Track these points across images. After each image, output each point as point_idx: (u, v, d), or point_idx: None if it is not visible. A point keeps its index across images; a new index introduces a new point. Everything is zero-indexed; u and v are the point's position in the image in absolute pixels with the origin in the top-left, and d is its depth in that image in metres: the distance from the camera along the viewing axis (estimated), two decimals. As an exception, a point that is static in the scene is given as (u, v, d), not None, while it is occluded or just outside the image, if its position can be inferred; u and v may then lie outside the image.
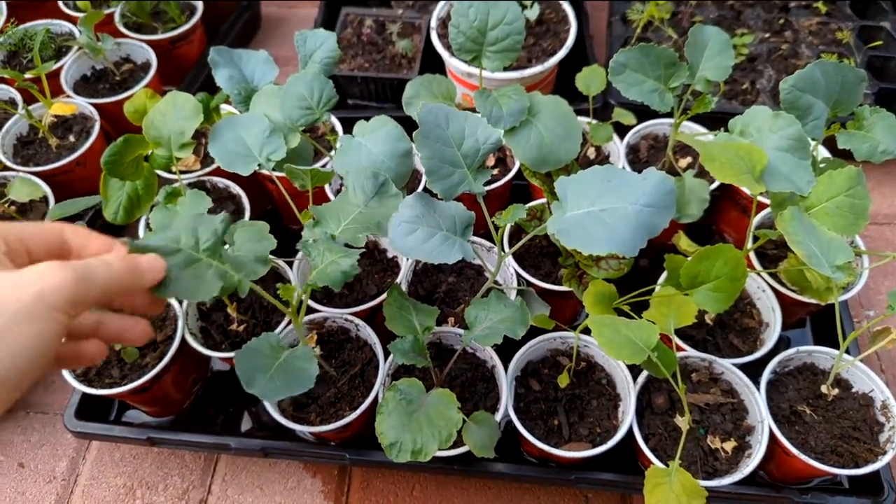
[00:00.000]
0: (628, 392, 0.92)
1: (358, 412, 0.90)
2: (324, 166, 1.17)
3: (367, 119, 0.91)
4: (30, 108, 1.27)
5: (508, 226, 1.07)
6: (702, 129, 1.17)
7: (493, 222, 0.84)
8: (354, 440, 1.01)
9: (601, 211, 0.71)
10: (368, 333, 0.99)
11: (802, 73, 0.87)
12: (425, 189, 1.17)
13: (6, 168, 1.23)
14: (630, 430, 0.90)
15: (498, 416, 0.88)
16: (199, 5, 1.51)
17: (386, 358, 0.95)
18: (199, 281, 0.66)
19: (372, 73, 1.41)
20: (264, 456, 1.01)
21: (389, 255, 1.11)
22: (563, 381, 0.93)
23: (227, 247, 0.74)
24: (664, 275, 0.99)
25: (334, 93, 0.96)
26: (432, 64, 1.41)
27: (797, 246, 0.77)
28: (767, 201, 1.07)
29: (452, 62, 1.29)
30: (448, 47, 1.33)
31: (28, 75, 1.26)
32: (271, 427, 1.08)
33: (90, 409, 1.05)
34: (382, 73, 1.42)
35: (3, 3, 1.50)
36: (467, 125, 0.79)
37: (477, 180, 0.80)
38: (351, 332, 1.02)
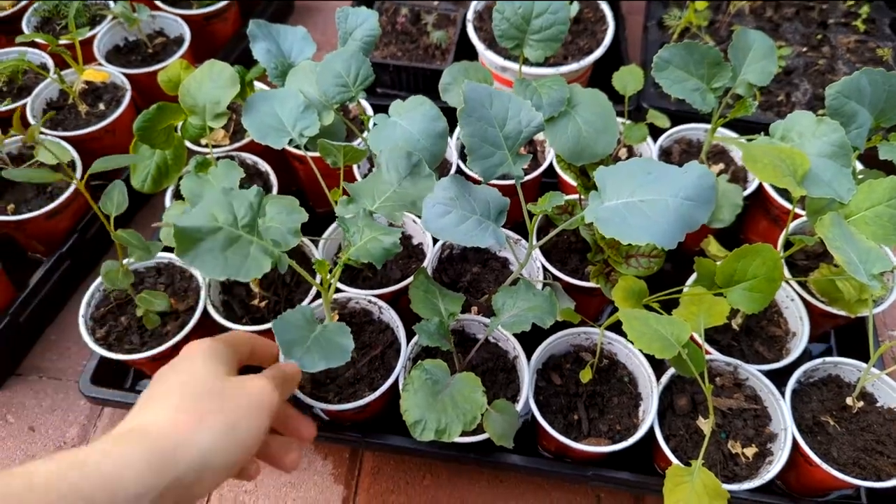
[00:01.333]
0: (650, 392, 0.91)
1: (377, 393, 0.89)
2: (357, 146, 1.16)
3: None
4: (62, 73, 1.27)
5: (537, 220, 1.06)
6: (734, 135, 1.16)
7: (527, 210, 0.83)
8: (370, 424, 1.00)
9: (640, 202, 0.70)
10: (392, 317, 0.98)
11: (849, 80, 0.86)
12: (459, 172, 1.17)
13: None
14: (650, 430, 0.88)
15: (518, 407, 0.87)
16: (237, -16, 1.52)
17: (408, 342, 0.94)
18: (245, 259, 0.66)
19: (404, 62, 1.41)
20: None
21: (415, 241, 1.10)
22: (586, 376, 0.92)
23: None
24: (693, 277, 0.98)
25: (371, 72, 0.95)
26: (465, 57, 1.38)
27: (836, 251, 0.76)
28: (800, 212, 1.06)
29: (488, 55, 1.29)
30: (484, 40, 1.33)
31: (62, 41, 1.25)
32: (300, 404, 1.08)
33: (106, 375, 1.05)
34: (415, 62, 1.41)
35: (41, -30, 1.51)
36: (511, 106, 0.78)
37: (516, 164, 0.79)
38: (374, 315, 1.01)
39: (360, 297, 0.99)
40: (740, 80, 0.96)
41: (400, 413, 0.77)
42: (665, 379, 0.92)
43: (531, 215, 0.83)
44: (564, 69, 1.25)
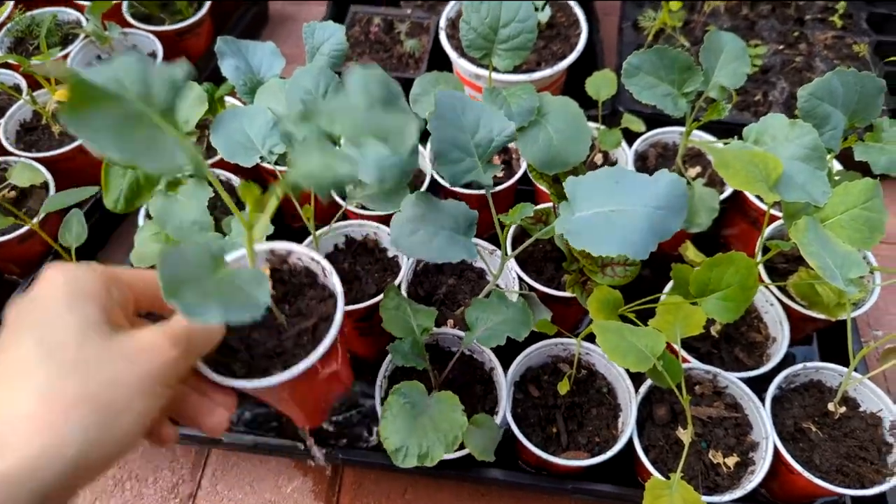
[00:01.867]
0: (629, 402, 0.90)
1: (287, 375, 0.66)
2: (327, 162, 1.15)
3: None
4: (34, 94, 1.25)
5: (512, 229, 1.05)
6: (711, 139, 1.15)
7: (499, 220, 0.82)
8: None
9: (611, 212, 0.69)
10: (335, 283, 0.76)
11: (821, 82, 0.85)
12: (433, 183, 1.16)
13: (8, 153, 1.22)
14: (630, 441, 0.87)
15: (497, 420, 0.86)
16: (209, -2, 1.51)
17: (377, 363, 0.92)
18: (151, 144, 0.48)
19: (380, 72, 1.39)
20: (254, 451, 0.99)
21: (390, 254, 1.09)
22: (564, 387, 0.91)
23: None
24: (670, 284, 0.97)
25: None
26: (439, 65, 1.39)
27: (811, 257, 0.75)
28: (779, 214, 1.05)
29: (461, 63, 1.28)
30: (457, 48, 1.31)
31: (34, 61, 1.24)
32: (263, 423, 1.06)
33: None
34: (389, 71, 1.40)
35: (12, -11, 1.50)
36: (483, 115, 0.77)
37: (487, 172, 0.78)
38: (318, 278, 0.81)
39: (302, 253, 0.80)
40: (713, 83, 0.95)
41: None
42: (644, 389, 0.91)
43: (503, 226, 0.83)
44: (538, 75, 1.24)
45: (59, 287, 0.48)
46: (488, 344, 0.79)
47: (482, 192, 1.08)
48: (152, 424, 0.53)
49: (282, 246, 0.79)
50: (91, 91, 0.44)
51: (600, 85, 1.12)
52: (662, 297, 0.89)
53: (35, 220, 0.89)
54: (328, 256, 1.09)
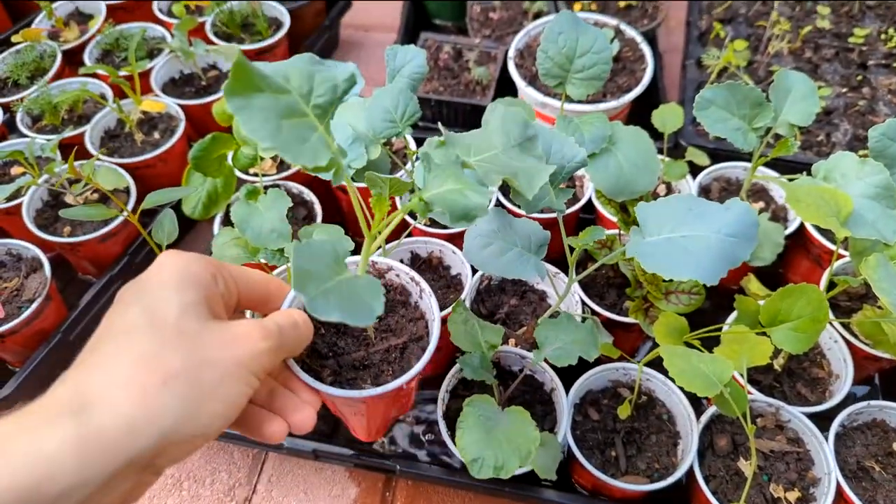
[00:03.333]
0: (689, 430, 0.90)
1: (379, 390, 0.69)
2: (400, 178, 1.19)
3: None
4: (120, 103, 1.32)
5: (577, 254, 1.07)
6: (775, 175, 1.16)
7: (568, 244, 0.84)
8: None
9: (682, 237, 0.70)
10: (431, 305, 0.79)
11: (893, 122, 0.86)
12: (499, 205, 1.19)
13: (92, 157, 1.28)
14: (690, 470, 0.88)
15: (558, 439, 0.87)
16: (287, 21, 1.58)
17: (439, 373, 0.94)
18: (302, 140, 0.51)
19: (446, 97, 1.44)
20: (315, 458, 1.01)
21: (453, 272, 1.12)
22: (624, 412, 0.92)
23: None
24: (734, 315, 0.97)
25: (417, 108, 0.98)
26: (505, 93, 1.43)
27: (882, 293, 0.75)
28: (843, 252, 1.05)
29: (528, 91, 1.32)
30: (525, 77, 1.35)
31: (122, 72, 1.32)
32: (323, 431, 1.09)
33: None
34: (456, 97, 1.45)
35: (103, 4, 1.59)
36: (554, 142, 0.80)
37: (559, 198, 0.81)
38: (411, 297, 0.84)
39: (402, 269, 0.83)
40: (781, 120, 0.96)
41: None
42: (705, 418, 0.92)
43: (571, 249, 0.85)
44: (603, 106, 1.27)
45: (169, 269, 0.51)
46: (559, 363, 0.81)
47: (550, 216, 1.11)
48: (255, 419, 0.57)
49: (384, 261, 0.82)
50: (254, 77, 0.48)
51: (667, 118, 1.15)
52: (726, 328, 0.90)
53: (127, 213, 0.95)
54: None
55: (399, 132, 0.98)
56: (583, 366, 0.86)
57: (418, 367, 0.72)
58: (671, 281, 0.98)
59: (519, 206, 0.80)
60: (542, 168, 0.63)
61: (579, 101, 1.24)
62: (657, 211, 0.74)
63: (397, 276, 0.83)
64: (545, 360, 0.91)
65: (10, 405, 1.15)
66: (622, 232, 1.01)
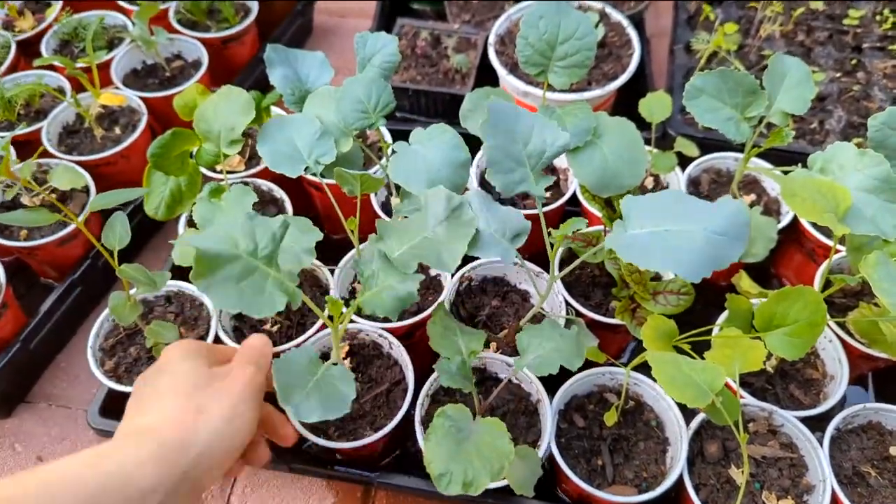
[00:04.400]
0: (679, 437, 0.86)
1: (379, 435, 0.86)
2: (374, 174, 1.13)
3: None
4: (78, 96, 1.25)
5: (560, 252, 1.02)
6: (767, 166, 1.11)
7: (548, 237, 0.80)
8: (373, 461, 0.96)
9: (666, 231, 0.67)
10: (401, 353, 0.94)
11: (894, 111, 0.82)
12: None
13: (49, 155, 1.22)
14: (679, 479, 0.83)
15: (540, 453, 0.83)
16: (255, 7, 1.50)
17: (416, 383, 0.90)
18: (260, 293, 0.64)
19: (424, 86, 1.38)
20: (289, 470, 0.96)
21: (433, 272, 1.07)
22: (611, 419, 0.88)
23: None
24: (724, 315, 0.93)
25: (392, 98, 0.93)
26: (486, 81, 1.37)
27: (882, 293, 0.71)
28: (840, 247, 1.01)
29: (509, 80, 1.26)
30: (506, 65, 1.29)
31: (79, 64, 1.24)
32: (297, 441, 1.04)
33: (115, 406, 1.01)
34: (435, 86, 1.38)
35: (60, -8, 1.51)
36: (536, 125, 0.76)
37: (538, 183, 0.76)
38: (383, 349, 0.97)
39: (370, 329, 0.96)
40: (775, 108, 0.91)
41: (405, 451, 0.73)
42: (695, 424, 0.87)
43: (552, 244, 0.80)
44: (588, 95, 1.22)
45: (174, 350, 0.72)
46: (540, 372, 0.76)
47: (532, 211, 1.05)
48: (250, 445, 0.71)
49: (353, 326, 0.95)
50: (210, 262, 0.62)
51: (654, 107, 1.09)
52: (716, 329, 0.86)
53: (80, 219, 0.89)
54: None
55: (373, 123, 0.92)
56: (569, 370, 0.82)
57: (405, 406, 0.88)
58: (659, 280, 0.93)
59: (496, 188, 0.76)
60: (462, 239, 0.75)
61: (562, 91, 1.19)
62: (643, 205, 0.70)
63: (367, 335, 0.97)
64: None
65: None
66: (607, 228, 0.95)
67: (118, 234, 0.86)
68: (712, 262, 0.64)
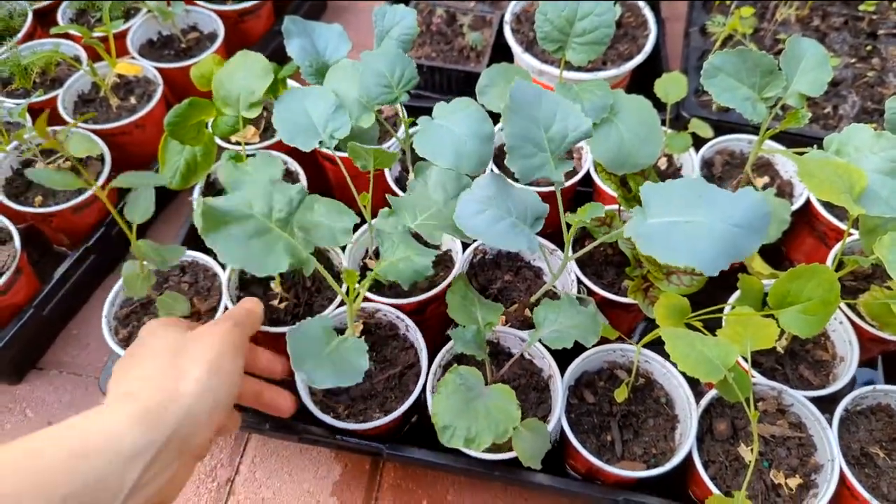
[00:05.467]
0: (688, 414, 0.87)
1: (388, 419, 0.86)
2: (388, 148, 1.13)
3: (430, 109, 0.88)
4: (94, 66, 1.25)
5: (574, 231, 1.02)
6: (781, 148, 1.11)
7: (566, 220, 0.80)
8: (384, 438, 0.97)
9: (686, 222, 0.66)
10: (417, 337, 0.94)
11: (912, 94, 0.82)
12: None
13: (64, 123, 1.22)
14: (688, 455, 0.84)
15: (549, 427, 0.84)
16: (271, -20, 1.50)
17: (430, 365, 0.90)
18: (267, 252, 0.65)
19: (439, 63, 1.38)
20: (299, 440, 0.97)
21: (443, 248, 1.07)
22: (621, 395, 0.88)
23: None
24: (736, 294, 0.93)
25: (415, 73, 0.93)
26: (500, 59, 1.36)
27: (897, 274, 0.71)
28: (849, 230, 1.01)
29: (525, 58, 1.26)
30: (521, 42, 1.29)
31: (96, 33, 1.24)
32: (306, 412, 1.05)
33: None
34: (450, 64, 1.38)
35: (78, -38, 1.50)
36: (559, 109, 0.75)
37: (558, 168, 0.76)
38: (399, 331, 0.97)
39: (388, 310, 0.96)
40: (791, 90, 0.91)
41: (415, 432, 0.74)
42: (704, 402, 0.88)
43: (568, 226, 0.80)
44: (603, 74, 1.22)
45: (153, 322, 0.72)
46: (555, 345, 0.77)
47: (547, 189, 1.06)
48: (232, 401, 0.68)
49: (371, 305, 0.95)
50: (218, 216, 0.63)
51: (669, 87, 1.09)
52: (727, 308, 0.86)
53: (100, 185, 0.89)
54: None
55: (395, 98, 0.92)
56: (579, 347, 0.82)
57: (417, 391, 0.87)
58: (672, 259, 0.93)
59: (515, 173, 0.75)
60: None
61: (579, 69, 1.19)
62: (663, 192, 0.69)
63: (385, 315, 0.97)
64: (543, 345, 0.87)
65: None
66: (622, 208, 0.96)
67: (141, 208, 0.86)
68: (730, 254, 0.62)
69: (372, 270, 0.79)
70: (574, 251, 1.01)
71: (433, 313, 1.01)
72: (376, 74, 0.92)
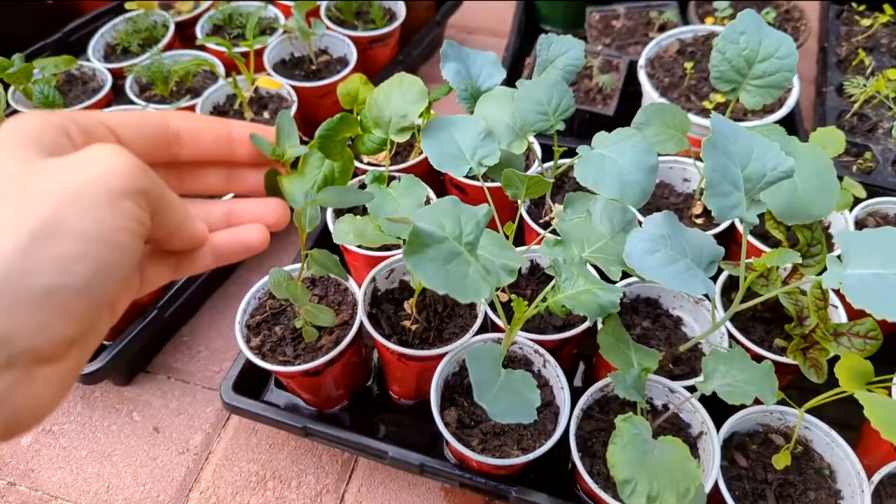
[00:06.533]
0: (857, 490, 0.79)
1: (527, 457, 0.80)
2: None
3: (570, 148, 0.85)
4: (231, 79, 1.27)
5: (721, 280, 0.98)
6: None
7: (734, 270, 0.75)
8: (512, 479, 0.91)
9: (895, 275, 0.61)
10: (554, 374, 0.89)
11: None
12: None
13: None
14: (855, 536, 0.77)
15: (706, 490, 0.77)
16: (402, 12, 1.52)
17: (572, 403, 0.85)
18: (463, 278, 0.60)
19: (566, 103, 1.36)
20: (420, 473, 0.92)
21: (578, 286, 1.03)
22: (781, 461, 0.81)
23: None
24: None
25: (572, 102, 0.91)
26: (625, 105, 1.35)
27: None
28: None
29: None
30: (657, 88, 1.27)
31: (238, 48, 1.27)
32: (424, 443, 1.00)
33: (244, 384, 1.00)
34: (577, 104, 1.36)
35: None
36: (756, 146, 0.71)
37: (750, 209, 0.71)
38: (534, 366, 0.93)
39: (525, 343, 0.92)
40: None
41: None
42: (877, 478, 0.81)
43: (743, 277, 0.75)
44: (745, 125, 1.17)
45: (8, 133, 0.40)
46: (732, 400, 0.71)
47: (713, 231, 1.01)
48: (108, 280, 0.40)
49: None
50: (422, 239, 0.59)
51: (827, 142, 1.04)
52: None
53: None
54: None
55: (551, 126, 0.90)
56: (721, 405, 0.77)
57: (559, 431, 0.82)
58: (841, 322, 0.87)
59: (711, 211, 0.71)
60: None
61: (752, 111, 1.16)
62: (864, 241, 0.64)
63: (521, 348, 0.93)
64: (698, 401, 0.82)
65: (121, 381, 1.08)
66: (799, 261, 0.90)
67: (310, 216, 0.84)
68: None
69: (512, 301, 0.75)
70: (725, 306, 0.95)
71: (566, 354, 0.97)
72: (534, 102, 0.90)
